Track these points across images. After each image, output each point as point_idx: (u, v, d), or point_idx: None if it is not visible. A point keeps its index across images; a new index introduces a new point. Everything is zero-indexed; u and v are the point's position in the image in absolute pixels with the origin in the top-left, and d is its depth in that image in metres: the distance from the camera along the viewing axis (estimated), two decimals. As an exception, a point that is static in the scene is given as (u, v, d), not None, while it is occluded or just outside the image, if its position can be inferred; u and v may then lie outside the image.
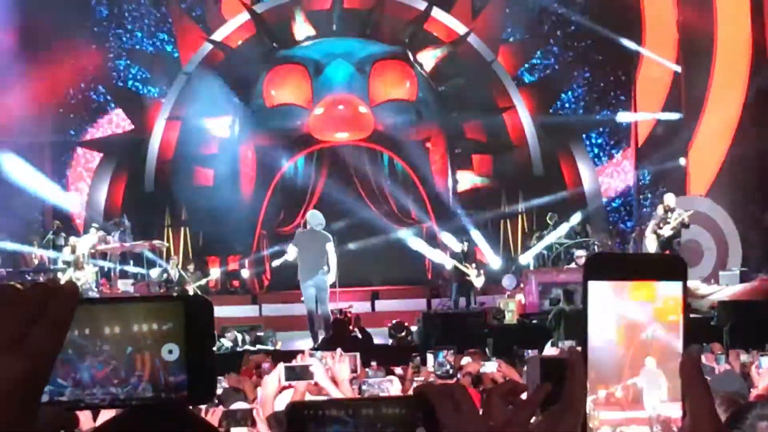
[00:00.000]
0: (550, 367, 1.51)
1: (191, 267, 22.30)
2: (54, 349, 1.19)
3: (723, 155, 23.30)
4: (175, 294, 16.10)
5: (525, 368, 7.31)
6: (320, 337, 17.28)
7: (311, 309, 17.44)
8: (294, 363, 5.91)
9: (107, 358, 1.34)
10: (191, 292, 20.87)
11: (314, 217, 17.87)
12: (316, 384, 5.88)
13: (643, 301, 1.51)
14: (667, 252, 21.03)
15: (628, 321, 1.51)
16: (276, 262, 18.66)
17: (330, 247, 17.32)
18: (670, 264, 1.54)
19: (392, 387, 8.21)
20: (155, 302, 1.37)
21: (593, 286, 1.50)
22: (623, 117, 25.98)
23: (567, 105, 26.79)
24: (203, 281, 22.57)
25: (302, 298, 17.67)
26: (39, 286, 1.18)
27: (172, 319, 1.34)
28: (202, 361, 1.36)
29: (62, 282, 1.31)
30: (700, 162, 23.83)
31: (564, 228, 23.43)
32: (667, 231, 20.65)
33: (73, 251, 21.07)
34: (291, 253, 17.75)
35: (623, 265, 1.52)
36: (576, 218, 23.93)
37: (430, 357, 10.51)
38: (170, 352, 1.34)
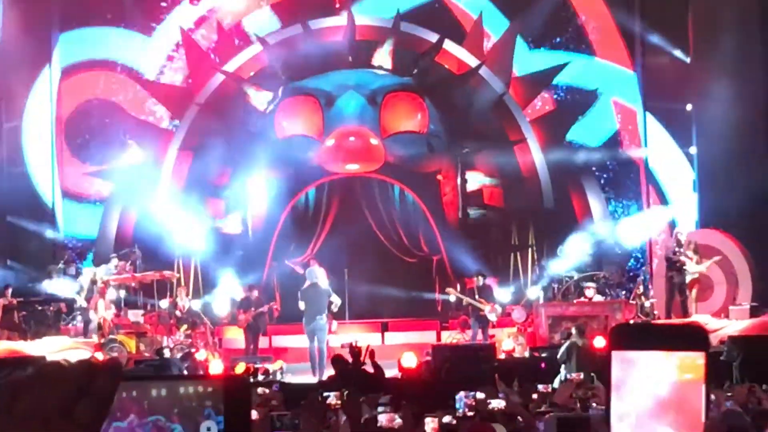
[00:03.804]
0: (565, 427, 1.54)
1: (255, 293, 21.98)
2: (100, 421, 1.24)
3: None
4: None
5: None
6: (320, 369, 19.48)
7: (312, 346, 19.98)
8: None
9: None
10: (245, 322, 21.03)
11: (311, 274, 20.79)
12: None
13: (666, 370, 1.54)
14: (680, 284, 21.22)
15: (651, 390, 1.54)
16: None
17: (334, 297, 20.79)
18: (692, 335, 1.57)
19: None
20: (195, 381, 1.40)
21: (617, 356, 1.53)
22: (636, 152, 25.98)
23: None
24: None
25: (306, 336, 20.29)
26: (83, 363, 1.23)
27: (212, 397, 1.37)
28: None
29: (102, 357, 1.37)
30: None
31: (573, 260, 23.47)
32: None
33: (88, 281, 21.24)
34: (301, 306, 20.32)
35: (646, 335, 1.55)
36: (586, 251, 23.90)
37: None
38: (208, 429, 1.37)
